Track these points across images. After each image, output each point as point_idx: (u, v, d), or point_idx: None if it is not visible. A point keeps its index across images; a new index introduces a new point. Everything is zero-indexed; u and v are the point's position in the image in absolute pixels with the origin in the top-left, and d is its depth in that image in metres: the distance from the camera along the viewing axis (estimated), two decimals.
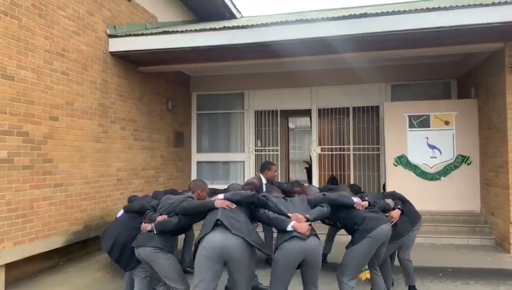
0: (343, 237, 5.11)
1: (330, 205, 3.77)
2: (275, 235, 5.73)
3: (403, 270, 4.54)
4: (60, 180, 5.65)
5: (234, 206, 3.38)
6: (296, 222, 3.31)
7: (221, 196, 3.49)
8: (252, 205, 3.55)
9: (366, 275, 4.19)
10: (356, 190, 4.89)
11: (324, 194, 3.95)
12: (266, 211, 3.46)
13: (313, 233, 3.38)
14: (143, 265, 3.68)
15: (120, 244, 3.89)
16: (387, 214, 4.11)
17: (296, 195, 4.30)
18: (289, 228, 3.27)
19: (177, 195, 4.13)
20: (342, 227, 4.11)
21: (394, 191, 4.83)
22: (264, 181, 5.53)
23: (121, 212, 4.71)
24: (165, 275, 3.47)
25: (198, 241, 3.24)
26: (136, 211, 4.03)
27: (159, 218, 3.55)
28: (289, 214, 3.41)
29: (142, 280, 3.83)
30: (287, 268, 3.27)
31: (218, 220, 3.18)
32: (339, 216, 3.92)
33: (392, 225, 3.97)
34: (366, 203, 3.89)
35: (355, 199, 3.89)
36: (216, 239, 3.11)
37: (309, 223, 3.41)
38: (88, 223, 6.19)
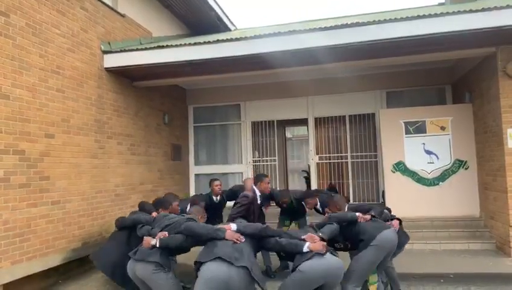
0: None
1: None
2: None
3: (388, 277, 4.51)
4: (57, 197, 5.62)
5: (243, 240, 3.28)
6: (311, 242, 3.28)
7: (234, 226, 3.37)
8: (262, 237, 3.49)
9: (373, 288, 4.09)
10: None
11: (330, 216, 3.95)
12: (278, 239, 3.41)
13: (330, 250, 3.35)
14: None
15: (111, 260, 3.92)
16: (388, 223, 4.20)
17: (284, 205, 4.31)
18: (305, 249, 3.24)
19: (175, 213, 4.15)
20: (351, 246, 4.03)
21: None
22: (258, 193, 5.59)
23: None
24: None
25: (200, 265, 3.20)
26: (129, 225, 3.97)
27: (160, 234, 3.51)
28: (303, 236, 3.38)
29: None
30: (309, 285, 3.21)
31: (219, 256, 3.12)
32: (345, 235, 3.92)
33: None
34: (368, 216, 3.96)
35: (357, 214, 3.97)
36: (220, 271, 3.05)
37: (324, 242, 3.40)
38: (86, 240, 6.15)
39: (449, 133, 7.90)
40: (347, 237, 3.89)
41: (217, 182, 6.43)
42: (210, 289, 3.03)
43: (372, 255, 3.66)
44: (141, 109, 7.91)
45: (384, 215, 4.26)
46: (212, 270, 3.06)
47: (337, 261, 3.28)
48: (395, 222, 4.28)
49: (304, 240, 3.33)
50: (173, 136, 9.33)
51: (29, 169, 5.17)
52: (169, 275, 3.41)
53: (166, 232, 3.55)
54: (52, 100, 5.60)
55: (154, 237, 3.55)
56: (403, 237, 4.33)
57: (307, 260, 3.18)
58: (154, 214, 4.40)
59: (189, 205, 5.59)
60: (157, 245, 3.42)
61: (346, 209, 4.35)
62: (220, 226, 3.38)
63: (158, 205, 4.81)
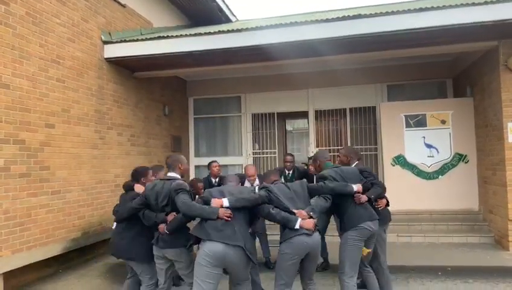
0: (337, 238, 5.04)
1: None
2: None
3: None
4: (58, 187, 5.64)
5: (232, 216, 3.38)
6: (302, 218, 3.45)
7: (225, 201, 3.42)
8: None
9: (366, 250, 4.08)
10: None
11: (324, 183, 3.85)
12: (271, 209, 3.50)
13: (316, 228, 3.53)
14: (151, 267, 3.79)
15: (129, 246, 3.87)
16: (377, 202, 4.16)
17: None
18: (297, 226, 3.42)
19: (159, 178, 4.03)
20: (336, 215, 4.12)
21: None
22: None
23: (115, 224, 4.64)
24: (187, 272, 3.61)
25: (199, 241, 3.40)
26: (127, 218, 3.94)
27: (170, 217, 3.58)
28: (294, 211, 3.50)
29: (149, 283, 3.87)
30: (294, 260, 3.45)
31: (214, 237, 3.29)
32: (334, 205, 3.90)
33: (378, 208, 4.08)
34: (365, 198, 3.88)
35: (355, 188, 3.87)
36: (217, 249, 3.25)
37: (313, 219, 3.51)
38: (86, 230, 6.18)
39: (449, 126, 7.89)
40: (336, 208, 3.91)
41: (215, 164, 6.25)
42: (209, 263, 3.26)
43: (352, 244, 3.73)
44: (141, 100, 7.90)
45: (379, 193, 4.18)
46: (209, 247, 3.28)
47: (318, 238, 3.57)
48: (383, 201, 4.22)
49: (295, 214, 3.49)
50: (173, 128, 9.33)
51: (30, 159, 5.18)
52: (190, 254, 3.63)
53: (175, 213, 3.56)
54: (52, 90, 5.59)
55: (161, 221, 3.60)
56: (387, 214, 4.34)
57: (294, 236, 3.42)
58: (140, 189, 4.08)
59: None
60: (167, 232, 3.54)
61: (354, 163, 4.39)
62: (212, 200, 3.45)
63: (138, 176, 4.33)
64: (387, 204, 4.37)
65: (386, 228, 4.38)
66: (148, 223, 3.72)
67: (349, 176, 3.95)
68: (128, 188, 4.21)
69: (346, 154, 4.54)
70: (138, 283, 4.03)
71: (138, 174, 4.25)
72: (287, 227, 3.49)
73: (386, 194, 4.39)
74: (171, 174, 3.79)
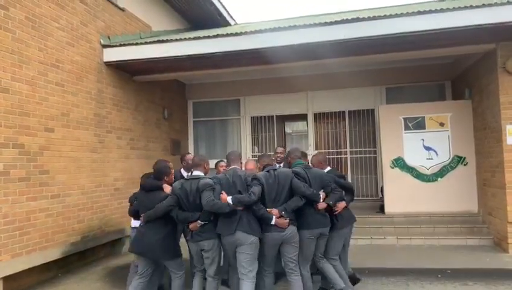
0: None
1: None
2: None
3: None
4: (57, 191, 5.64)
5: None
6: (276, 216, 3.92)
7: (229, 199, 3.86)
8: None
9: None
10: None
11: (304, 185, 4.15)
12: (254, 207, 3.93)
13: (291, 223, 3.99)
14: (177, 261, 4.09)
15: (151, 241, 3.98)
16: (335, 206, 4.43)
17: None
18: (273, 223, 3.94)
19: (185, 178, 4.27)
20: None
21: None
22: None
23: (134, 223, 4.58)
24: (212, 262, 4.01)
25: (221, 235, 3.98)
26: (161, 216, 4.00)
27: (196, 223, 3.95)
28: (268, 209, 3.95)
29: (181, 275, 4.10)
30: (271, 248, 4.03)
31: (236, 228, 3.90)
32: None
33: (336, 214, 4.42)
34: (324, 205, 4.23)
35: (322, 195, 4.25)
36: (231, 237, 3.90)
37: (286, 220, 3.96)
38: (86, 233, 6.18)
39: (448, 129, 7.91)
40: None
41: (222, 163, 6.07)
42: (228, 247, 3.97)
43: (306, 242, 4.13)
44: (141, 103, 7.91)
45: (337, 198, 4.46)
46: (230, 238, 3.92)
47: (291, 230, 4.01)
48: (340, 205, 4.45)
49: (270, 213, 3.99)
50: (173, 131, 9.33)
51: (29, 163, 5.18)
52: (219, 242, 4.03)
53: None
54: (51, 94, 5.60)
55: (194, 219, 3.90)
56: (348, 218, 4.60)
57: (271, 231, 3.96)
58: (168, 189, 4.15)
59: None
60: (202, 223, 3.94)
61: (327, 169, 4.86)
62: (221, 196, 3.89)
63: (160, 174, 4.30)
64: (346, 207, 4.61)
65: (351, 228, 4.75)
66: (183, 223, 4.06)
67: (315, 178, 4.30)
68: (152, 188, 4.20)
69: (320, 160, 4.92)
70: (149, 284, 4.16)
71: (162, 174, 4.27)
72: (263, 222, 3.96)
73: (354, 197, 4.90)
74: (196, 172, 4.15)
